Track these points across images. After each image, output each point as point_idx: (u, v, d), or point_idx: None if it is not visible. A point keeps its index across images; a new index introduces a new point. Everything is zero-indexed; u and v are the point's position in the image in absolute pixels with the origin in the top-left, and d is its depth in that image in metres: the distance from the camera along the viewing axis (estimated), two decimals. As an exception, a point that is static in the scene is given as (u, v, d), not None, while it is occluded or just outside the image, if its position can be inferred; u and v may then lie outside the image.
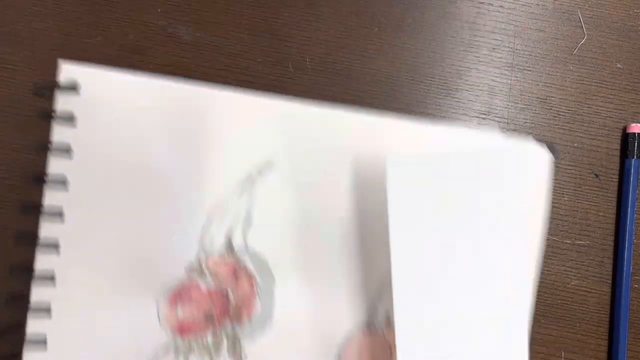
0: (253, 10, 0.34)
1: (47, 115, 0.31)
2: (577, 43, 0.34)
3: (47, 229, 0.30)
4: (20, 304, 0.30)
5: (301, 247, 0.31)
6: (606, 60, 0.34)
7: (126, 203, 0.31)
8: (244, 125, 0.31)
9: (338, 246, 0.31)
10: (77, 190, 0.31)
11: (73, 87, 0.31)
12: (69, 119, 0.31)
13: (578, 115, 0.33)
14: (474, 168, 0.27)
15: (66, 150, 0.31)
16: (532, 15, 0.34)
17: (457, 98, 0.33)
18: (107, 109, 0.31)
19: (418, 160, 0.27)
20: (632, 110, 0.34)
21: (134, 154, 0.31)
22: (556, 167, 0.33)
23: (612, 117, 0.33)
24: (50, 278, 0.30)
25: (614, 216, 0.33)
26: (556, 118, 0.33)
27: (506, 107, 0.33)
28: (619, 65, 0.34)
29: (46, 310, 0.30)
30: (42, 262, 0.30)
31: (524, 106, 0.33)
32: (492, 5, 0.34)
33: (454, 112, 0.33)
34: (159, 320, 0.31)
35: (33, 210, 0.30)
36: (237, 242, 0.31)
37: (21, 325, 0.30)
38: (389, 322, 0.31)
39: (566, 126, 0.33)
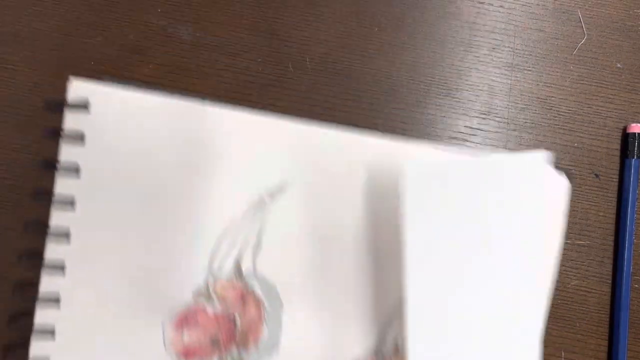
0: (253, 10, 0.34)
1: (55, 133, 0.30)
2: (577, 43, 0.34)
3: (53, 250, 0.30)
4: (23, 325, 0.30)
5: (311, 273, 0.31)
6: (606, 60, 0.34)
7: (134, 225, 0.30)
8: (255, 147, 0.31)
9: (349, 272, 0.31)
10: (84, 210, 0.30)
11: (84, 106, 0.30)
12: (78, 137, 0.30)
13: (578, 115, 0.33)
14: (491, 174, 0.26)
15: (74, 170, 0.30)
16: (532, 15, 0.34)
17: (457, 98, 0.33)
18: (117, 129, 0.30)
19: (435, 164, 0.26)
20: (632, 110, 0.34)
21: (143, 174, 0.30)
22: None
23: (612, 117, 0.33)
24: (55, 300, 0.30)
25: (614, 216, 0.33)
26: (556, 118, 0.33)
27: (506, 107, 0.33)
28: (619, 65, 0.34)
29: (50, 333, 0.30)
30: (48, 282, 0.30)
31: (524, 106, 0.33)
32: (492, 5, 0.34)
33: (454, 112, 0.33)
34: (164, 345, 0.30)
35: (39, 228, 0.30)
36: (246, 266, 0.31)
37: (25, 346, 0.30)
38: (397, 350, 0.31)
39: (566, 126, 0.33)
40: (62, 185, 0.30)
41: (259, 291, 0.31)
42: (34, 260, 0.30)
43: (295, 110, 0.33)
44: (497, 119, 0.33)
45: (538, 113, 0.33)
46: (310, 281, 0.31)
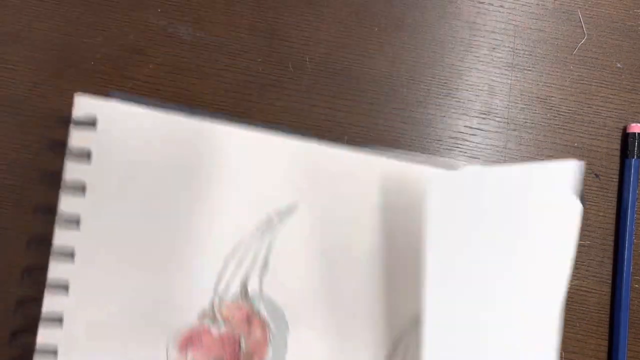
0: (253, 10, 0.34)
1: (60, 146, 0.30)
2: (577, 43, 0.34)
3: (56, 269, 0.29)
4: (25, 344, 0.30)
5: (318, 295, 0.30)
6: (606, 60, 0.34)
7: (140, 244, 0.30)
8: (265, 166, 0.31)
9: (357, 295, 0.30)
10: (89, 229, 0.30)
11: (91, 123, 0.30)
12: (85, 155, 0.30)
13: (578, 115, 0.33)
14: (519, 183, 0.26)
15: (80, 188, 0.30)
16: (532, 15, 0.34)
17: (457, 98, 0.33)
18: (124, 147, 0.30)
19: (460, 174, 0.26)
20: (632, 110, 0.34)
21: (149, 193, 0.30)
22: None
23: (612, 117, 0.33)
24: (58, 319, 0.29)
25: (614, 216, 0.33)
26: (556, 118, 0.33)
27: (506, 107, 0.33)
28: (619, 65, 0.34)
29: (53, 352, 0.29)
30: (51, 302, 0.29)
31: (524, 106, 0.33)
32: (492, 5, 0.34)
33: (454, 112, 0.33)
34: None
35: (42, 245, 0.30)
36: (253, 287, 0.30)
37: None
38: None
39: (566, 126, 0.33)
40: (67, 204, 0.30)
41: (264, 312, 0.30)
42: (37, 277, 0.30)
43: (295, 110, 0.33)
44: (497, 118, 0.33)
45: (538, 113, 0.33)
46: (317, 303, 0.30)
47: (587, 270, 0.32)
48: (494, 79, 0.34)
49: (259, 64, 0.33)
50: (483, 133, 0.33)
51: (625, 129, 0.33)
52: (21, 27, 0.33)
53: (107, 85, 0.32)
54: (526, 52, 0.34)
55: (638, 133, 0.32)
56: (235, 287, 0.30)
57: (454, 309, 0.26)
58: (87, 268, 0.30)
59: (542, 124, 0.33)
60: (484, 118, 0.33)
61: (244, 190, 0.31)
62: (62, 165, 0.30)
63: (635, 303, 0.32)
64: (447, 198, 0.26)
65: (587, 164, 0.33)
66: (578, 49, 0.34)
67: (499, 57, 0.34)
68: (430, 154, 0.33)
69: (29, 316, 0.30)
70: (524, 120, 0.33)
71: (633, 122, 0.33)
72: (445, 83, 0.33)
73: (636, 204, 0.32)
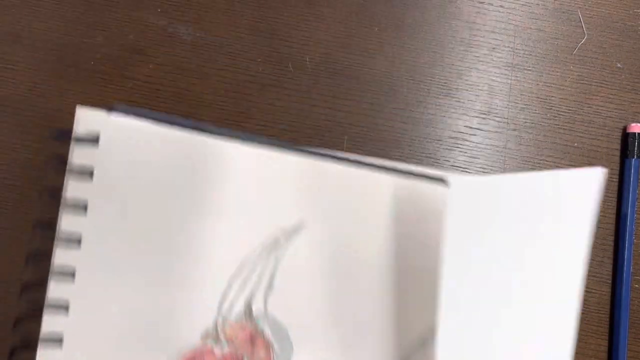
0: (253, 10, 0.34)
1: (62, 161, 0.30)
2: (577, 43, 0.34)
3: (57, 289, 0.29)
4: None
5: (323, 315, 0.30)
6: (606, 60, 0.34)
7: (142, 264, 0.29)
8: (271, 184, 0.30)
9: (363, 316, 0.30)
10: (90, 248, 0.29)
11: (94, 140, 0.29)
12: (87, 173, 0.29)
13: (578, 115, 0.33)
14: (532, 189, 0.25)
15: (82, 207, 0.29)
16: (532, 15, 0.34)
17: (457, 98, 0.33)
18: (126, 164, 0.29)
19: (479, 180, 0.25)
20: (632, 110, 0.34)
21: (152, 212, 0.30)
22: (556, 167, 0.33)
23: (612, 117, 0.33)
24: (59, 339, 0.29)
25: (614, 216, 0.33)
26: (556, 118, 0.33)
27: (506, 107, 0.33)
28: (619, 65, 0.34)
29: None
30: (51, 321, 0.29)
31: (524, 106, 0.33)
32: (492, 5, 0.34)
33: (454, 112, 0.33)
34: None
35: (42, 261, 0.29)
36: (257, 307, 0.30)
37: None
38: None
39: (566, 126, 0.33)
40: (68, 222, 0.29)
41: (269, 332, 0.30)
42: (37, 292, 0.29)
43: (295, 110, 0.33)
44: (497, 118, 0.33)
45: (538, 113, 0.33)
46: (322, 323, 0.30)
47: (587, 270, 0.32)
48: (494, 78, 0.34)
49: (259, 64, 0.33)
50: (483, 133, 0.33)
51: (625, 129, 0.33)
52: (21, 27, 0.33)
53: (107, 85, 0.32)
54: (526, 52, 0.34)
55: (638, 133, 0.32)
56: (239, 307, 0.30)
57: (470, 319, 0.25)
58: (87, 288, 0.29)
59: (542, 123, 0.33)
60: (484, 118, 0.33)
61: (249, 209, 0.30)
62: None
63: (635, 303, 0.32)
64: (466, 204, 0.25)
65: (587, 164, 0.33)
66: (578, 49, 0.34)
67: (499, 57, 0.34)
68: (430, 154, 0.33)
69: (29, 335, 0.29)
70: (524, 120, 0.33)
71: (633, 122, 0.33)
72: (445, 83, 0.33)
73: (636, 204, 0.32)
